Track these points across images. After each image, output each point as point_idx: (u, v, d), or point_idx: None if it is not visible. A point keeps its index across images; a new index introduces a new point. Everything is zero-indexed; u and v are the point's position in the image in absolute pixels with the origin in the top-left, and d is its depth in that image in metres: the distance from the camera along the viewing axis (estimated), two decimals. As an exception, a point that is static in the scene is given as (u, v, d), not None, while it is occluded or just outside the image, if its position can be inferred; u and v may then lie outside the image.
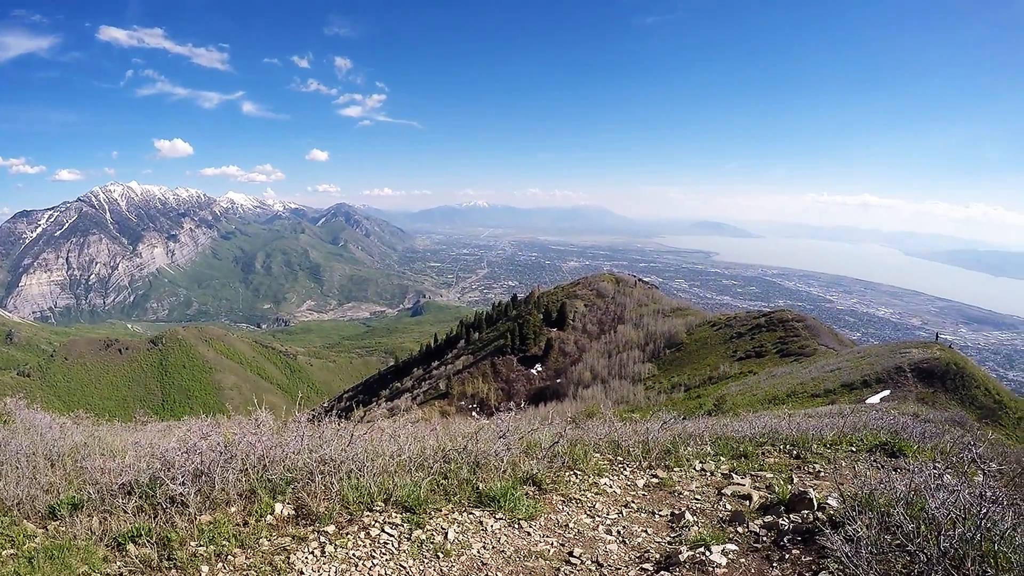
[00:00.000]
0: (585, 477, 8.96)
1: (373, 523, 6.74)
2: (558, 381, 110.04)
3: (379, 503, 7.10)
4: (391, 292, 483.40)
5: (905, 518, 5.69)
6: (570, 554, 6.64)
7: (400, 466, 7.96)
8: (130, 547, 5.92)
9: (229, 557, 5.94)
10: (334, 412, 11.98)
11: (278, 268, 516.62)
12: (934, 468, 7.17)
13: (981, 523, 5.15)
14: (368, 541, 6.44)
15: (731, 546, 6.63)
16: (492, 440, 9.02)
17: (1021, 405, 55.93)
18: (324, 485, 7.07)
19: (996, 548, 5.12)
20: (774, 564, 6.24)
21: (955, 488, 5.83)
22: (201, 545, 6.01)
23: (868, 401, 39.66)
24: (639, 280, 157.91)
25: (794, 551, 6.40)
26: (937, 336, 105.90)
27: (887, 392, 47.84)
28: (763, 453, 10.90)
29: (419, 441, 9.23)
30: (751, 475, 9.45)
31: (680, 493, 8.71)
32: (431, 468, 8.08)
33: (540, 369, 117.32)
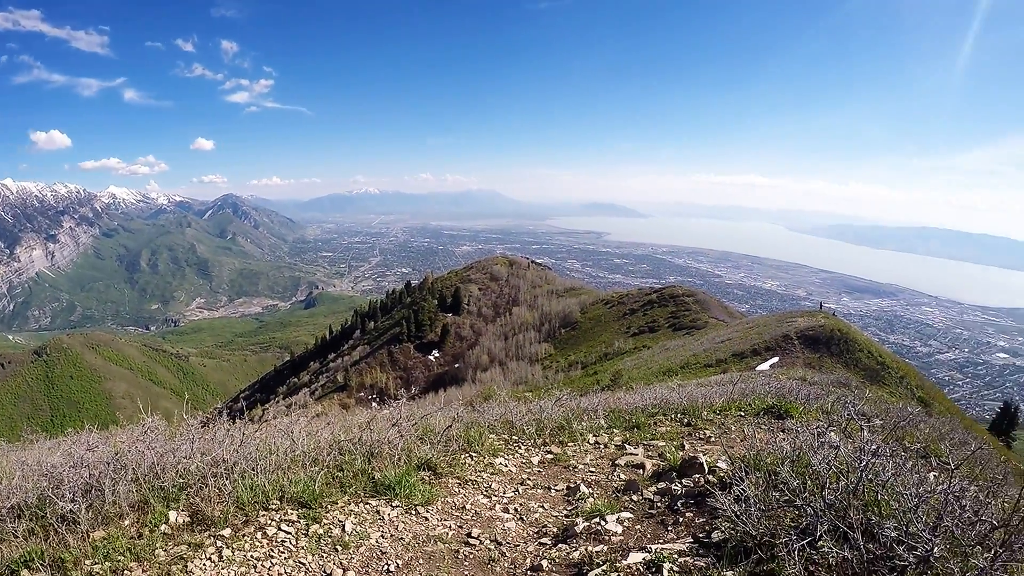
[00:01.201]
0: (480, 458, 8.96)
1: (269, 522, 6.55)
2: (456, 366, 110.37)
3: (275, 501, 6.90)
4: (283, 285, 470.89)
5: (791, 475, 5.91)
6: (468, 535, 6.64)
7: (294, 462, 7.77)
8: (23, 573, 5.66)
9: (126, 572, 5.66)
10: (229, 413, 11.74)
11: (165, 265, 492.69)
12: (817, 427, 7.45)
13: (862, 475, 5.36)
14: (265, 541, 6.26)
15: (626, 514, 6.76)
16: (386, 428, 8.94)
17: (902, 365, 59.03)
18: (218, 488, 6.82)
19: (878, 497, 5.35)
20: (668, 528, 6.39)
21: (836, 445, 6.08)
22: (96, 563, 5.70)
23: (758, 368, 40.96)
24: (532, 262, 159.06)
25: (687, 514, 6.58)
26: (821, 305, 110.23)
27: (776, 359, 49.52)
28: (655, 423, 11.12)
29: (313, 435, 9.05)
30: (644, 445, 9.64)
31: (575, 467, 8.83)
32: (326, 461, 7.92)
33: (438, 355, 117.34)
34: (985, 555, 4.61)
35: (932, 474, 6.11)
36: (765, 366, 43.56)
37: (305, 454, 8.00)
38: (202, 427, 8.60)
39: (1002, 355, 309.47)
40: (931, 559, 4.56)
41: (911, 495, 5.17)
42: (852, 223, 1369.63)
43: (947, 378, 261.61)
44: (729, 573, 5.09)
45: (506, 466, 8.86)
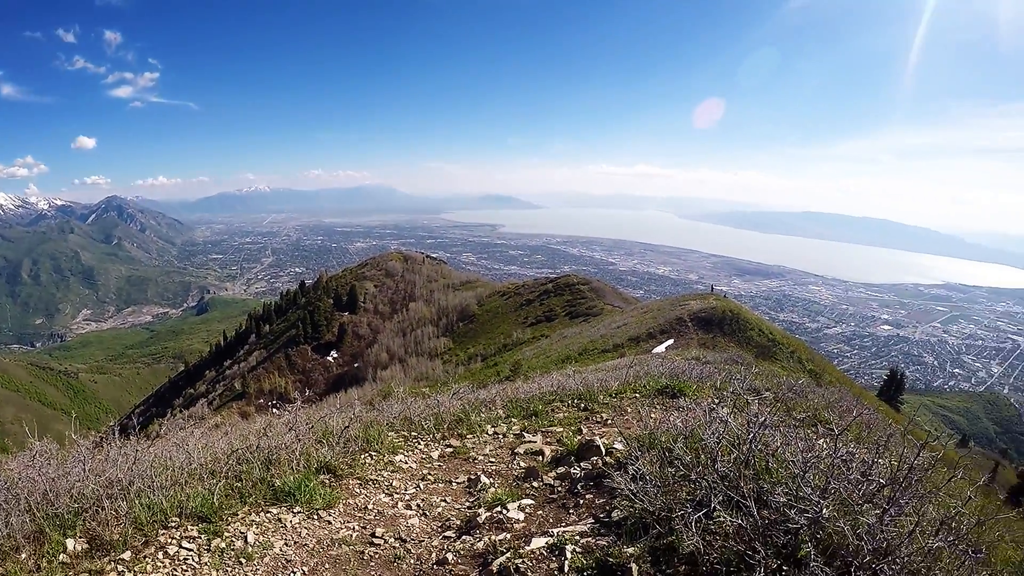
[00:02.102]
0: (380, 457, 8.89)
1: (170, 541, 6.33)
2: (356, 365, 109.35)
3: (173, 518, 6.67)
4: (173, 291, 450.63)
5: (684, 451, 6.11)
6: (372, 535, 6.58)
7: (192, 476, 7.54)
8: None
9: (27, 609, 5.52)
10: (124, 430, 11.38)
11: (48, 276, 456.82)
12: (709, 403, 7.66)
13: (752, 446, 5.57)
14: (167, 560, 6.04)
15: (527, 501, 6.86)
16: (283, 434, 8.79)
17: (792, 341, 61.31)
18: (114, 510, 6.52)
19: (769, 466, 5.59)
20: (570, 511, 6.50)
21: (725, 419, 6.24)
22: (-4, 603, 5.54)
23: (654, 351, 41.69)
24: (427, 256, 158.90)
25: (588, 496, 6.71)
26: (713, 288, 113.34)
27: (671, 341, 50.60)
28: (553, 410, 11.26)
29: (209, 447, 8.85)
30: (542, 432, 9.74)
31: (475, 459, 8.89)
32: (224, 473, 7.72)
33: (336, 355, 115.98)
34: (874, 512, 4.85)
35: (821, 440, 6.37)
36: (661, 348, 44.45)
37: (203, 467, 7.80)
38: (95, 447, 8.32)
39: (886, 327, 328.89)
40: (821, 520, 4.74)
41: (799, 461, 5.37)
42: (740, 209, 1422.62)
43: (836, 351, 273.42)
44: (630, 549, 5.21)
45: (406, 463, 8.81)
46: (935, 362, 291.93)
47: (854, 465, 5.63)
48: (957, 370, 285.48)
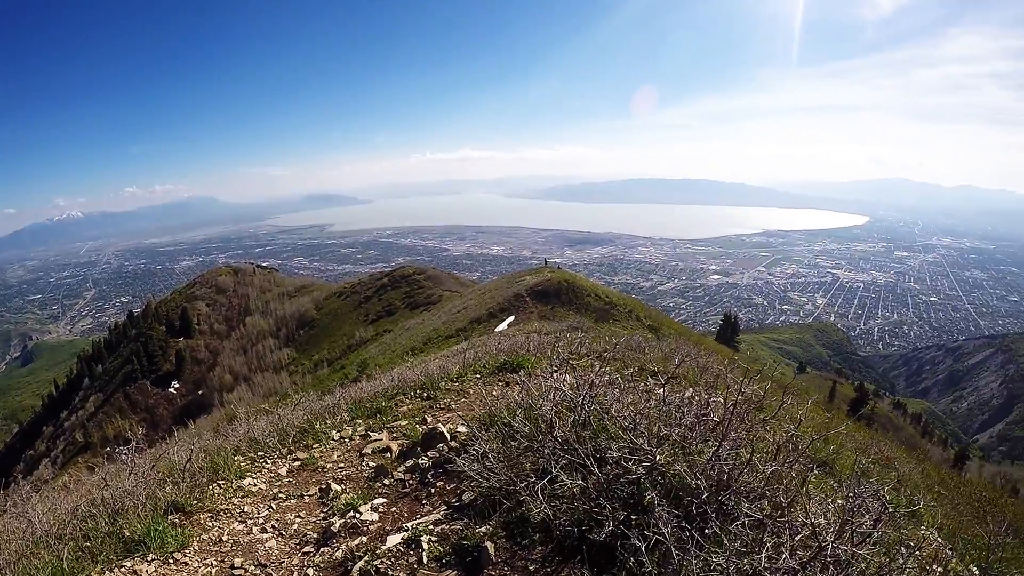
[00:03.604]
0: (229, 484, 8.51)
1: (25, 619, 5.99)
2: (200, 393, 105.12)
3: (24, 596, 6.31)
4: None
5: (523, 423, 6.22)
6: (232, 568, 6.30)
7: (37, 544, 7.20)
8: None
9: None
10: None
11: None
12: (542, 371, 7.82)
13: (585, 407, 5.78)
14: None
15: (379, 500, 6.82)
16: (125, 479, 8.39)
17: (628, 301, 63.36)
18: None
19: (605, 424, 5.71)
20: (423, 502, 6.54)
21: (557, 386, 6.37)
22: None
23: (497, 329, 42.13)
24: (258, 267, 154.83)
25: (438, 484, 6.78)
26: (546, 261, 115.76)
27: (512, 318, 51.20)
28: (397, 404, 11.15)
29: (52, 510, 8.40)
30: (387, 428, 9.66)
31: (324, 468, 8.71)
32: (70, 535, 7.32)
33: (178, 385, 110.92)
34: (708, 450, 5.09)
35: (660, 391, 6.60)
36: (503, 326, 44.93)
37: (47, 532, 7.41)
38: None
39: (715, 277, 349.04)
40: (658, 466, 4.94)
41: (629, 415, 5.58)
42: (566, 183, 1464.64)
43: (672, 304, 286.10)
44: (482, 529, 5.35)
45: (256, 485, 8.53)
46: (765, 302, 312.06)
47: (692, 408, 5.90)
48: (786, 306, 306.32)
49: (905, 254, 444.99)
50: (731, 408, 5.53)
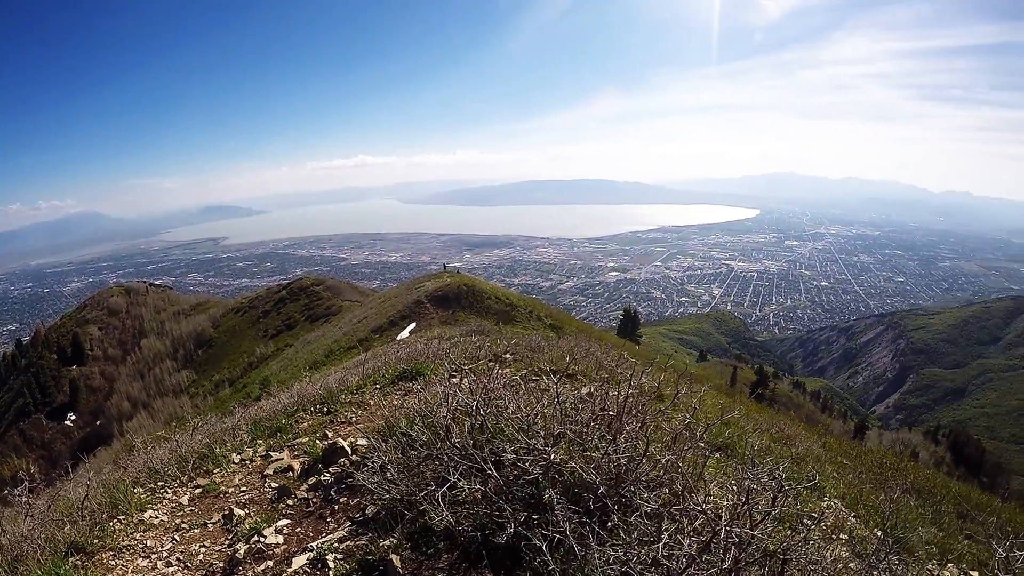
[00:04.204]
0: (129, 518, 8.20)
1: None
2: (98, 423, 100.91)
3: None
4: None
5: (422, 431, 6.24)
6: (139, 607, 6.22)
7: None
8: None
9: None
10: None
11: None
12: (439, 378, 7.86)
13: (480, 410, 5.89)
14: None
15: (283, 522, 6.73)
16: (20, 524, 8.00)
17: (529, 302, 63.90)
18: None
19: (502, 426, 5.80)
20: (327, 519, 6.48)
21: (452, 391, 6.47)
22: None
23: (399, 337, 41.91)
24: (150, 285, 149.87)
25: (341, 500, 6.73)
26: (445, 266, 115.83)
27: (414, 325, 50.98)
28: (297, 421, 11.00)
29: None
30: (288, 447, 9.51)
31: (226, 493, 8.48)
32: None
33: (74, 417, 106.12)
34: (602, 445, 5.22)
35: (554, 389, 6.68)
36: (405, 334, 44.72)
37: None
38: None
39: (614, 273, 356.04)
40: (553, 465, 5.05)
41: (525, 415, 5.69)
42: (463, 187, 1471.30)
43: (572, 303, 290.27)
44: (386, 542, 5.35)
45: (157, 517, 8.22)
46: (663, 295, 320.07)
47: (588, 404, 6.07)
48: (684, 298, 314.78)
49: (795, 243, 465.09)
50: (624, 402, 5.71)
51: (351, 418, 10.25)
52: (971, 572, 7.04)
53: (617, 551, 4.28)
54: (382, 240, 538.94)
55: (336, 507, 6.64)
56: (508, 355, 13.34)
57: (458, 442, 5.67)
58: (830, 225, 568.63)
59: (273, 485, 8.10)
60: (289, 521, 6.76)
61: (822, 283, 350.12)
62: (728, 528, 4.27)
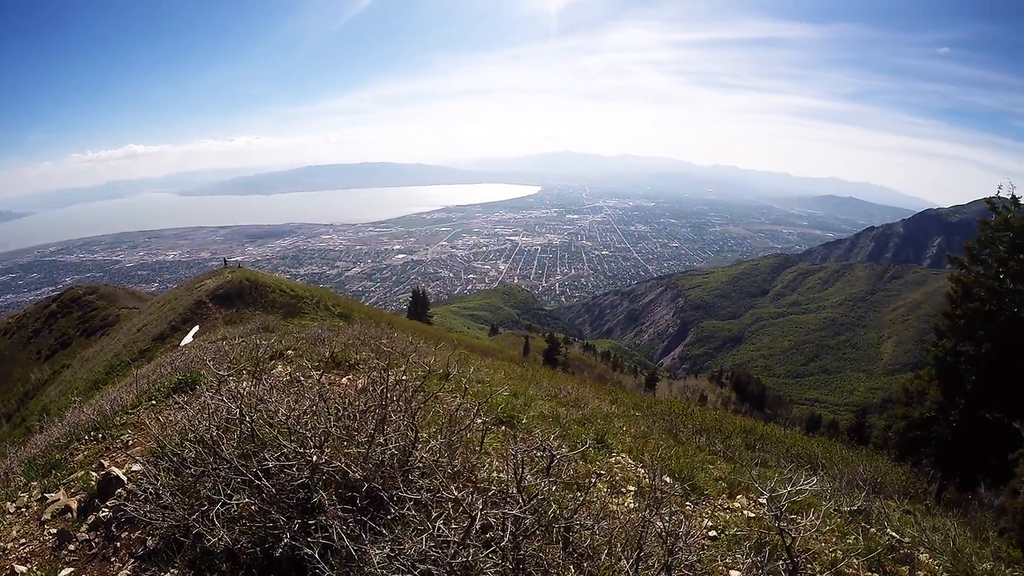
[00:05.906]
0: None
1: None
2: None
3: None
4: None
5: (193, 448, 6.07)
6: None
7: None
8: None
9: None
10: None
11: None
12: (208, 387, 7.72)
13: (247, 419, 5.83)
14: None
15: (67, 571, 6.21)
16: None
17: (316, 292, 63.00)
18: None
19: (275, 432, 5.66)
20: (112, 560, 6.09)
21: (219, 401, 6.33)
22: None
23: (183, 343, 40.36)
24: None
25: (123, 535, 6.30)
26: (226, 261, 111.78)
27: (197, 328, 49.13)
28: (72, 453, 10.06)
29: None
30: (64, 484, 8.54)
31: (5, 549, 7.24)
32: None
33: None
34: (376, 438, 5.34)
35: (343, 382, 6.77)
36: (188, 339, 43.07)
37: None
38: None
39: (400, 256, 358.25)
40: (319, 466, 5.15)
41: (293, 417, 5.80)
42: (242, 175, 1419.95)
43: (361, 289, 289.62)
44: (168, 574, 5.20)
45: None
46: (451, 274, 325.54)
47: (363, 396, 6.07)
48: (471, 276, 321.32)
49: (576, 216, 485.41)
50: (388, 390, 5.77)
51: (128, 441, 9.66)
52: (760, 499, 7.42)
53: (384, 548, 4.30)
54: (158, 238, 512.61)
55: (119, 544, 6.25)
56: (290, 351, 13.30)
57: (227, 455, 5.49)
58: (608, 199, 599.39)
59: (52, 531, 7.31)
60: (73, 569, 6.28)
61: (603, 252, 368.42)
62: (491, 509, 4.49)
